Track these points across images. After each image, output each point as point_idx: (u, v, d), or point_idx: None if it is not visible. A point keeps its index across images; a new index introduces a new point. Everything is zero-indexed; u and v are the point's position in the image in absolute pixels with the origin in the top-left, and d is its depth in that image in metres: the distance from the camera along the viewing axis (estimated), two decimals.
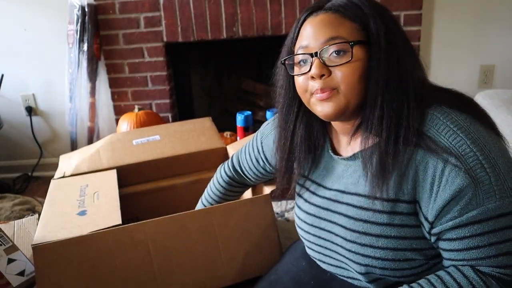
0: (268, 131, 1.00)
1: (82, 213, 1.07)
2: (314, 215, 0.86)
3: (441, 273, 0.70)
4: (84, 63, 2.17)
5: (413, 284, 0.70)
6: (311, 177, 0.88)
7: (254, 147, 1.05)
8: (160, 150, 1.48)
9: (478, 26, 2.12)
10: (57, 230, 0.99)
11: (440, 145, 0.66)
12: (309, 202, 0.88)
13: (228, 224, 1.07)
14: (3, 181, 2.34)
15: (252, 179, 1.11)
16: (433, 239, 0.71)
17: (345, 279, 0.84)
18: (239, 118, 1.93)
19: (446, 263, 0.71)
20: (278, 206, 1.89)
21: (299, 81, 0.77)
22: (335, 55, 0.71)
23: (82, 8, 2.07)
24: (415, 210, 0.71)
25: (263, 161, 1.03)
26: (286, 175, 0.90)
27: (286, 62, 0.79)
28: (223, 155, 1.53)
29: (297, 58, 0.76)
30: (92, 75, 2.21)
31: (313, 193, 0.87)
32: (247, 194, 1.34)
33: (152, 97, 2.24)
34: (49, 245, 0.94)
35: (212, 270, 1.04)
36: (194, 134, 1.57)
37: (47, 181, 1.35)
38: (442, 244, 0.70)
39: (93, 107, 2.27)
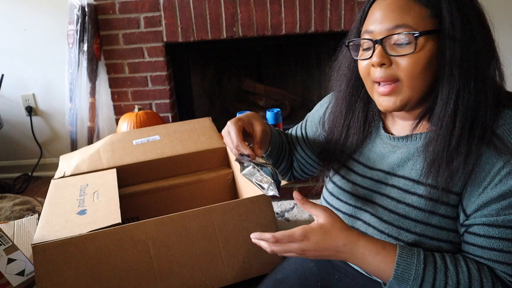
0: (315, 111, 0.99)
1: (82, 212, 1.07)
2: (351, 193, 0.84)
3: (459, 256, 0.69)
4: (84, 63, 2.17)
5: (428, 253, 0.68)
6: (353, 155, 0.86)
7: (300, 125, 1.04)
8: (160, 150, 1.48)
9: None
10: (57, 229, 0.99)
11: (507, 145, 0.64)
12: (346, 179, 0.86)
13: (228, 223, 1.07)
14: (3, 181, 2.34)
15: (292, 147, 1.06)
16: (462, 230, 0.70)
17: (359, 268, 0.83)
18: None
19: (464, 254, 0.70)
20: (278, 206, 1.89)
21: (362, 65, 0.74)
22: (398, 44, 0.68)
23: (82, 8, 2.07)
24: (459, 202, 0.69)
25: (302, 137, 1.01)
26: (335, 154, 0.88)
27: (351, 43, 0.76)
28: (223, 155, 1.54)
29: (362, 41, 0.74)
30: (92, 75, 2.21)
31: (351, 169, 0.85)
32: (247, 193, 1.34)
33: (152, 97, 2.24)
34: (49, 245, 0.94)
35: (212, 270, 1.04)
36: (194, 134, 1.57)
37: (47, 181, 1.35)
38: (466, 237, 0.69)
39: (93, 107, 2.27)
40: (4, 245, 1.16)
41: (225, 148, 1.52)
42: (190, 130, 1.61)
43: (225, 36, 2.09)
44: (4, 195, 1.99)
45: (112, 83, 2.23)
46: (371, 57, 0.70)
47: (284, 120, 2.06)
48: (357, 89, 0.82)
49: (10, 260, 1.15)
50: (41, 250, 0.94)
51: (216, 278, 1.04)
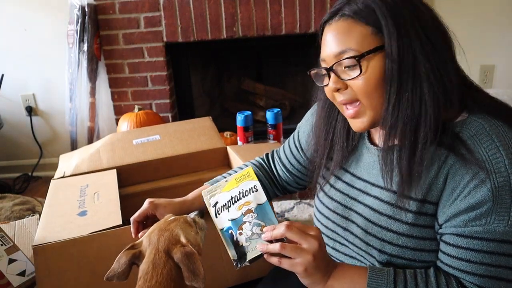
0: (305, 121, 0.99)
1: (83, 213, 1.07)
2: (338, 202, 0.85)
3: (430, 272, 0.70)
4: (84, 63, 2.17)
5: (398, 271, 0.70)
6: (341, 164, 0.86)
7: (292, 137, 1.03)
8: (160, 150, 1.48)
9: (478, 26, 2.12)
10: (57, 231, 1.00)
11: (476, 156, 0.64)
12: (335, 188, 0.86)
13: None
14: (3, 181, 2.34)
15: (281, 170, 1.03)
16: (438, 237, 0.71)
17: None
18: (239, 118, 1.93)
19: (437, 261, 0.72)
20: (278, 206, 1.89)
21: (326, 90, 0.76)
22: (347, 68, 0.69)
23: (82, 8, 2.07)
24: (436, 211, 0.70)
25: (296, 149, 0.99)
26: (320, 168, 0.89)
27: (312, 72, 0.77)
28: (223, 155, 1.53)
29: (319, 69, 0.76)
30: (92, 75, 2.21)
31: (339, 178, 0.86)
32: None
33: (152, 97, 2.24)
34: (50, 246, 0.94)
35: (213, 272, 1.04)
36: (194, 134, 1.57)
37: (47, 181, 1.35)
38: (440, 245, 0.71)
39: (93, 107, 2.27)
40: (5, 245, 1.16)
41: (225, 148, 1.53)
42: (190, 129, 1.61)
43: (225, 36, 2.09)
44: (4, 195, 2.00)
45: (112, 83, 2.23)
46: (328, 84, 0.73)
47: (284, 120, 2.06)
48: (332, 111, 0.83)
49: (11, 261, 1.15)
50: (41, 251, 0.94)
51: (217, 280, 1.04)
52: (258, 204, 0.77)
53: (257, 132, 2.05)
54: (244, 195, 0.79)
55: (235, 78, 2.64)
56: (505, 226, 0.63)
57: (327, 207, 0.87)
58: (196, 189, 1.04)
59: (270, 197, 1.06)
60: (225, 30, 2.08)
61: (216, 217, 0.80)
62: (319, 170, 0.90)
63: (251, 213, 0.77)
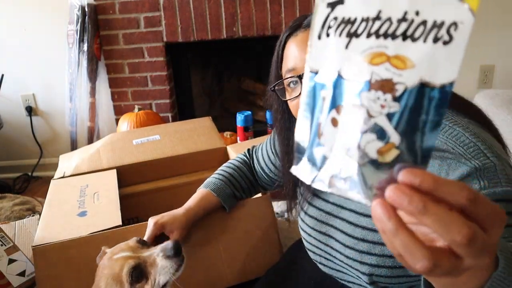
0: None
1: (82, 214, 1.07)
2: (316, 219, 0.85)
3: None
4: (84, 63, 2.17)
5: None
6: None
7: (269, 141, 1.02)
8: (160, 150, 1.48)
9: (478, 26, 2.12)
10: (57, 231, 0.99)
11: (436, 147, 0.61)
12: (312, 205, 0.87)
13: (228, 224, 1.07)
14: (3, 181, 2.34)
15: (259, 172, 1.04)
16: None
17: (346, 283, 0.84)
18: (239, 118, 1.93)
19: None
20: (278, 206, 1.89)
21: (293, 104, 0.74)
22: None
23: (82, 8, 2.07)
24: None
25: (273, 154, 1.00)
26: (293, 188, 0.89)
27: (276, 87, 0.76)
28: (223, 155, 1.53)
29: (286, 81, 0.74)
30: (92, 75, 2.21)
31: (317, 196, 0.86)
32: None
33: (152, 97, 2.24)
34: (49, 247, 0.94)
35: (212, 271, 1.04)
36: (194, 134, 1.57)
37: (47, 181, 1.35)
38: None
39: (93, 107, 2.27)
40: (5, 245, 1.16)
41: (225, 148, 1.52)
42: (190, 129, 1.60)
43: (225, 36, 2.09)
44: (4, 195, 1.99)
45: (112, 83, 2.23)
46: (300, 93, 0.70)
47: None
48: (291, 126, 0.81)
49: (11, 261, 1.15)
50: (41, 252, 0.94)
51: (216, 279, 1.04)
52: (421, 83, 0.31)
53: (257, 132, 2.05)
54: (394, 31, 0.32)
55: (235, 78, 2.64)
56: (502, 187, 0.56)
57: (306, 224, 0.87)
58: (195, 192, 1.03)
59: (253, 194, 1.08)
60: (225, 30, 2.08)
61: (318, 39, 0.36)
62: (292, 190, 0.89)
63: (387, 94, 0.32)
